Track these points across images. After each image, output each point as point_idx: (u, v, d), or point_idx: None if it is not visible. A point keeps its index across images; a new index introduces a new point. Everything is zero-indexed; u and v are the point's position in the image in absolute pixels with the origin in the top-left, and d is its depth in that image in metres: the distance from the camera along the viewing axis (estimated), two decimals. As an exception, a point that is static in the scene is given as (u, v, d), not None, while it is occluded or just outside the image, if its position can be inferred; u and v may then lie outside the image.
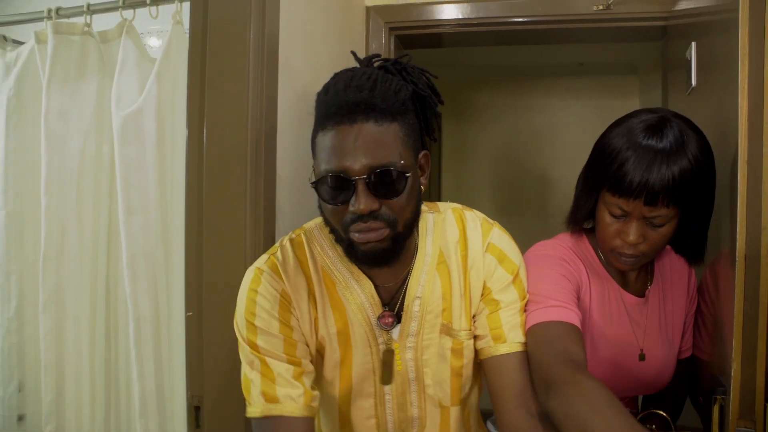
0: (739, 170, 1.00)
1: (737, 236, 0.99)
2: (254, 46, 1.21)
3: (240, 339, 0.93)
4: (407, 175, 0.85)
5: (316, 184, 0.86)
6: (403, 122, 0.86)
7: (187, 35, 1.25)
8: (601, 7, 1.77)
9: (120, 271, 1.56)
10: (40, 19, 1.57)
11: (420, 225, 0.98)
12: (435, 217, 1.01)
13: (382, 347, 0.95)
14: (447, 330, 0.97)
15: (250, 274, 0.95)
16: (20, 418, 1.63)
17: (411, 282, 0.97)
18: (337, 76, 0.90)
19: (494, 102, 3.84)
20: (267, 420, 0.88)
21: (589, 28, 1.85)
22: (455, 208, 1.03)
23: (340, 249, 0.94)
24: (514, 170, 3.79)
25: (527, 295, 1.00)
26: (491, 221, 1.02)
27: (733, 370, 0.99)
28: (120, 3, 1.50)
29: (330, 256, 0.97)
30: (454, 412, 1.00)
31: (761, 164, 0.99)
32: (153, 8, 1.49)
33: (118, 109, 1.43)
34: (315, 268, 0.96)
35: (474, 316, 0.99)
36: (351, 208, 0.84)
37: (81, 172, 1.54)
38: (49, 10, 1.55)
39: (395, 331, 0.96)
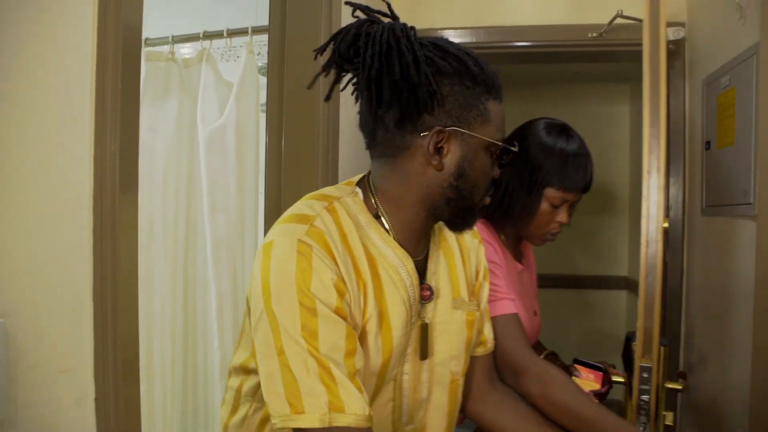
0: (643, 180, 1.34)
1: (641, 228, 1.35)
2: (322, 81, 1.53)
3: (288, 337, 0.73)
4: None
5: (495, 148, 0.85)
6: None
7: (257, 62, 1.56)
8: (595, 35, 2.10)
9: (197, 259, 1.88)
10: (131, 49, 1.87)
11: None
12: None
13: (417, 323, 0.88)
14: (459, 304, 0.94)
15: (291, 253, 0.75)
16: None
17: (431, 257, 0.93)
18: (461, 46, 0.84)
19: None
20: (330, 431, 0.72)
21: (585, 51, 2.18)
22: None
23: (374, 222, 0.86)
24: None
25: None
26: None
27: (638, 323, 1.32)
28: (200, 35, 1.81)
29: (368, 230, 0.85)
30: (460, 384, 0.97)
31: (663, 175, 1.34)
32: (228, 39, 1.80)
33: (204, 124, 1.74)
34: (360, 242, 0.83)
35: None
36: (495, 173, 0.87)
37: (165, 176, 1.85)
38: (138, 41, 1.86)
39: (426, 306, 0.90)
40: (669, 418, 1.33)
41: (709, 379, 1.78)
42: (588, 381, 1.32)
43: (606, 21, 2.05)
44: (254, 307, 0.78)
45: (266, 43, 1.74)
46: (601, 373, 1.33)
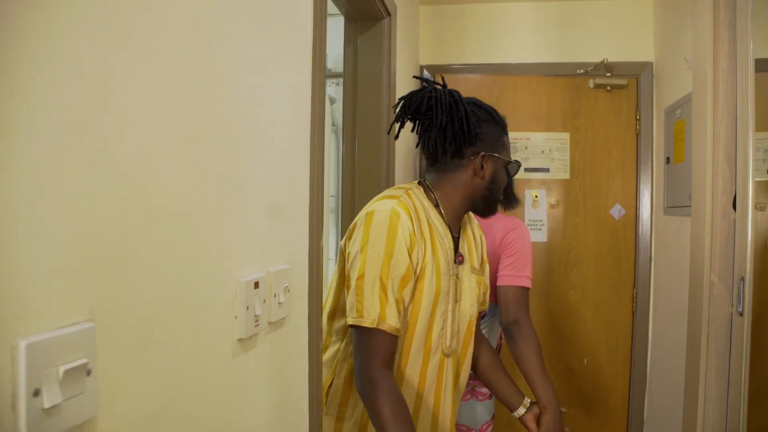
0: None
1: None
2: (385, 110, 2.10)
3: (371, 262, 1.09)
4: None
5: (511, 164, 1.28)
6: None
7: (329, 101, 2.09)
8: (582, 71, 2.68)
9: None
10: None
11: None
12: None
13: (453, 277, 1.24)
14: (473, 270, 1.32)
15: (386, 213, 1.12)
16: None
17: (461, 236, 1.31)
18: (485, 103, 1.28)
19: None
20: (375, 331, 1.08)
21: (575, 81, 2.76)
22: None
23: (433, 207, 1.24)
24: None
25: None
26: None
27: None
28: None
29: (429, 212, 1.22)
30: (474, 324, 1.33)
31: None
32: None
33: (291, 143, 2.31)
34: (425, 216, 1.20)
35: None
36: (505, 181, 1.31)
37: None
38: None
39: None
40: None
41: (674, 326, 2.38)
42: None
43: (589, 60, 2.64)
44: (353, 251, 1.15)
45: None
46: None
